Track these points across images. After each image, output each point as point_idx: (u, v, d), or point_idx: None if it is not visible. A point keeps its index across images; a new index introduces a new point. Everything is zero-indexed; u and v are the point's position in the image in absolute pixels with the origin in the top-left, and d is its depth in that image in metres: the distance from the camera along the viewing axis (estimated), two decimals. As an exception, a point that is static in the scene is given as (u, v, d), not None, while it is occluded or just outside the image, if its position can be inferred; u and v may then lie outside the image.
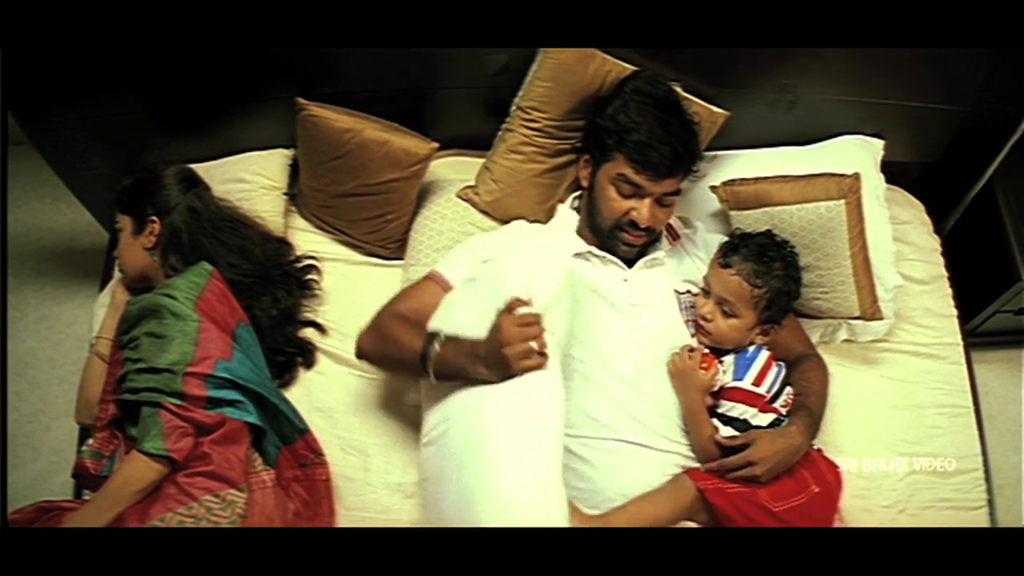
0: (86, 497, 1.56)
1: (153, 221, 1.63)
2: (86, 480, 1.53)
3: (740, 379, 1.47)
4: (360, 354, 1.56)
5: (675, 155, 1.49)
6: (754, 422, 1.45)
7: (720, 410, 1.47)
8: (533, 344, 1.29)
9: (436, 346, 1.38)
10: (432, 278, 1.58)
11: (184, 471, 1.43)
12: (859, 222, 1.66)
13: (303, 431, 1.59)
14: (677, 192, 1.55)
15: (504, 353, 1.28)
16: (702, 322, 1.52)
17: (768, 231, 1.60)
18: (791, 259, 1.55)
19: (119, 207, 1.67)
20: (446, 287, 1.55)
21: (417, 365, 1.39)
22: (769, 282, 1.49)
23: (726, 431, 1.45)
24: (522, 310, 1.32)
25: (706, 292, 1.54)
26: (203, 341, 1.50)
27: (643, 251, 1.61)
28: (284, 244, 1.85)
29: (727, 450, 1.49)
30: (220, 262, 1.65)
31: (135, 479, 1.41)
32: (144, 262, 1.64)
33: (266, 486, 1.52)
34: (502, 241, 1.62)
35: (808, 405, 1.49)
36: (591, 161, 1.60)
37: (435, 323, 1.44)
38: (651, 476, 1.42)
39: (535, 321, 1.31)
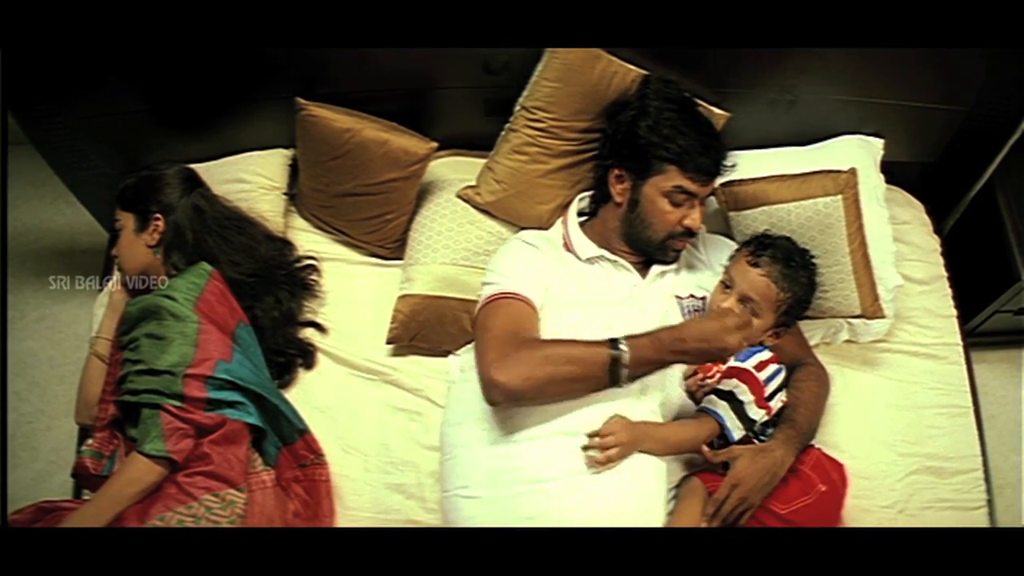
0: (86, 497, 1.56)
1: (157, 219, 1.63)
2: (86, 480, 1.53)
3: (741, 361, 1.47)
4: (513, 395, 1.38)
5: (719, 156, 1.54)
6: (749, 412, 1.44)
7: (718, 386, 1.47)
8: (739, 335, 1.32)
9: (625, 348, 1.35)
10: (495, 300, 1.49)
11: (184, 471, 1.43)
12: (857, 218, 1.66)
13: (303, 431, 1.59)
14: (712, 192, 1.60)
15: (720, 339, 1.31)
16: None
17: (788, 237, 1.61)
18: (813, 268, 1.57)
19: (121, 204, 1.66)
20: (527, 302, 1.49)
21: (602, 375, 1.35)
22: (793, 288, 1.50)
23: (725, 416, 1.44)
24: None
25: (725, 286, 1.53)
26: (203, 342, 1.50)
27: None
28: (286, 244, 1.85)
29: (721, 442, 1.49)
30: (224, 261, 1.65)
31: (135, 480, 1.41)
32: (146, 260, 1.64)
33: (266, 486, 1.52)
34: (534, 260, 1.59)
35: (795, 418, 1.49)
36: (624, 177, 1.58)
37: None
38: (654, 480, 1.42)
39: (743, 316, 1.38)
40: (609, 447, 1.35)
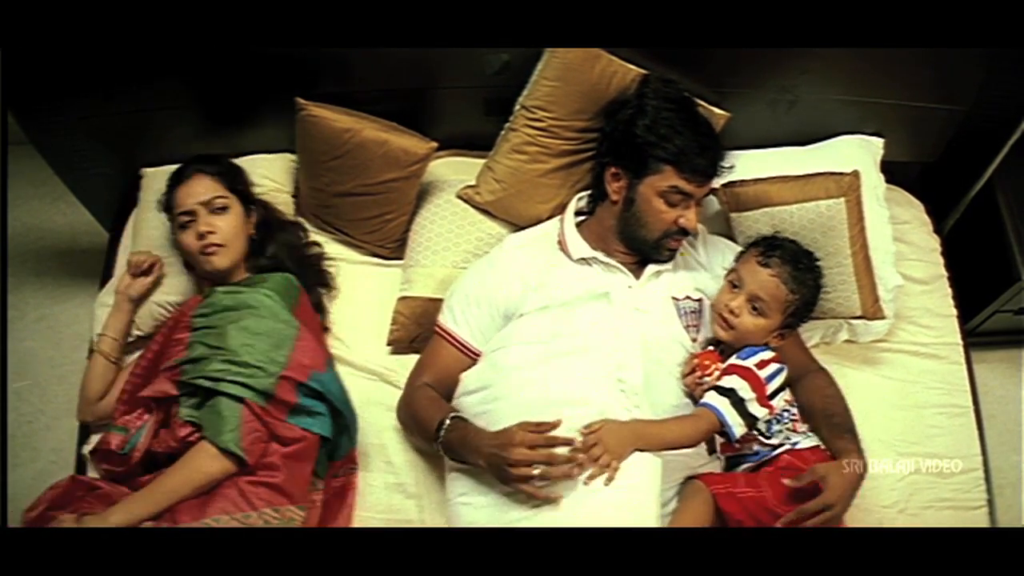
0: (90, 476, 1.54)
1: (252, 209, 1.64)
2: (106, 457, 1.50)
3: (743, 360, 1.47)
4: (399, 421, 1.64)
5: (717, 157, 1.54)
6: (750, 409, 1.44)
7: (719, 383, 1.46)
8: (536, 471, 1.31)
9: (444, 429, 1.45)
10: (441, 336, 1.61)
11: (249, 477, 1.41)
12: (859, 220, 1.66)
13: (353, 446, 1.59)
14: (709, 192, 1.60)
15: (506, 470, 1.32)
16: (727, 315, 1.50)
17: (794, 240, 1.61)
18: (819, 271, 1.57)
19: (225, 182, 1.62)
20: (456, 343, 1.59)
21: (431, 442, 1.49)
22: (802, 289, 1.50)
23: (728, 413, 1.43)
24: (550, 435, 1.34)
25: (733, 286, 1.53)
26: (300, 348, 1.49)
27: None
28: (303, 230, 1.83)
29: (736, 460, 1.50)
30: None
31: (201, 471, 1.39)
32: (245, 250, 1.62)
33: (316, 506, 1.51)
34: (504, 277, 1.60)
35: (851, 427, 1.50)
36: (621, 175, 1.57)
37: (467, 382, 1.51)
38: (647, 477, 1.40)
39: (547, 444, 1.33)
40: (597, 457, 1.33)
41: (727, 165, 1.59)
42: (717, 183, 1.64)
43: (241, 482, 1.40)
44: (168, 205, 1.64)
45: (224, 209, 1.59)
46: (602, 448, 1.33)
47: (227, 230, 1.58)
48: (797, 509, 1.38)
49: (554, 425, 1.35)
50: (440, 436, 1.45)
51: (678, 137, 1.51)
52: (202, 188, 1.60)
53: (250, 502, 1.39)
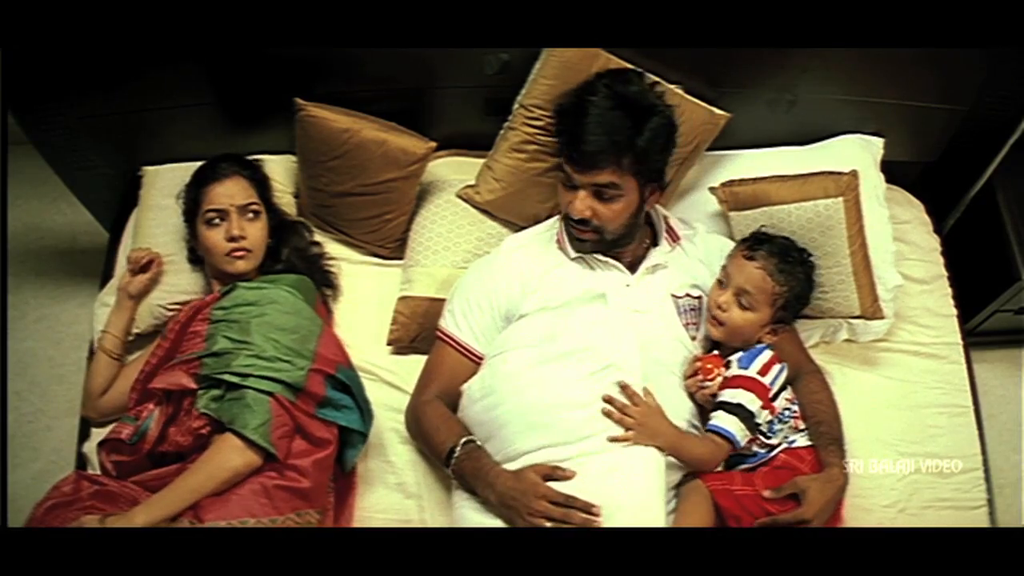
0: (91, 473, 1.54)
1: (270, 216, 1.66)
2: (116, 447, 1.50)
3: (745, 368, 1.47)
4: (406, 428, 1.63)
5: (600, 147, 1.43)
6: (756, 419, 1.45)
7: (722, 398, 1.46)
8: (548, 524, 1.33)
9: (455, 457, 1.46)
10: (444, 341, 1.61)
11: (277, 480, 1.40)
12: (858, 220, 1.66)
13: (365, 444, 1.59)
14: (614, 187, 1.46)
15: (519, 514, 1.35)
16: (716, 312, 1.51)
17: (788, 237, 1.61)
18: (810, 266, 1.58)
19: (257, 188, 1.65)
20: (459, 347, 1.59)
21: (440, 462, 1.51)
22: (790, 282, 1.50)
23: (735, 427, 1.43)
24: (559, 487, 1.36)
25: (721, 283, 1.53)
26: (325, 343, 1.51)
27: (644, 255, 1.61)
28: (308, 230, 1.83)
29: (734, 460, 1.50)
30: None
31: (225, 467, 1.37)
32: (264, 256, 1.64)
33: (327, 509, 1.51)
34: (504, 278, 1.59)
35: (836, 436, 1.51)
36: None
37: (471, 388, 1.52)
38: (654, 479, 1.41)
39: (563, 503, 1.34)
40: (626, 427, 1.38)
41: (646, 168, 1.49)
42: (689, 185, 1.61)
43: (269, 484, 1.39)
44: (194, 198, 1.63)
45: (257, 215, 1.62)
46: (634, 422, 1.38)
47: (257, 237, 1.62)
48: (772, 518, 1.40)
49: (568, 476, 1.37)
50: (452, 463, 1.46)
51: (575, 123, 1.47)
52: (239, 190, 1.61)
53: (277, 507, 1.38)
